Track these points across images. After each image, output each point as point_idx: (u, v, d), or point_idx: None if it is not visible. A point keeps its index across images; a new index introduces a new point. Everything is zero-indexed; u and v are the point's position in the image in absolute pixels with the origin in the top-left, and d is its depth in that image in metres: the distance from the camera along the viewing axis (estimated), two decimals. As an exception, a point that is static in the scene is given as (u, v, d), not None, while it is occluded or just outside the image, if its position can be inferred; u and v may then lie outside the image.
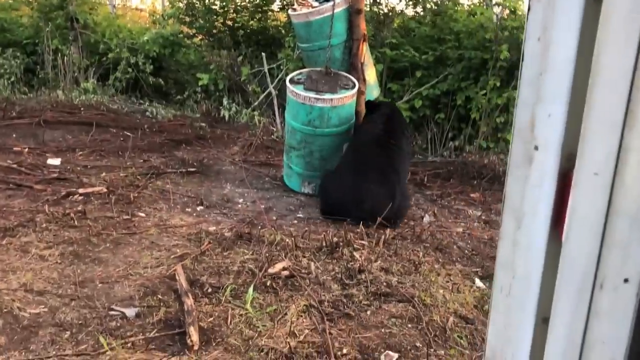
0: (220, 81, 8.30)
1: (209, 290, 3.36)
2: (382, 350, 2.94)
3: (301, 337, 2.98)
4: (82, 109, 7.52)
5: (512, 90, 6.57)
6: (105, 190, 4.79)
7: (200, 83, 8.24)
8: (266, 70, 7.80)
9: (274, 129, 7.30)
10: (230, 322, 3.07)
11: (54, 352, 2.75)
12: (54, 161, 5.56)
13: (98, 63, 8.89)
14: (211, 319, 3.09)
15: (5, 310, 3.04)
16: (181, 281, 3.36)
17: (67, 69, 8.63)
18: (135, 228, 4.19)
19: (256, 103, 7.93)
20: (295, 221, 4.68)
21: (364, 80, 5.37)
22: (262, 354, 2.83)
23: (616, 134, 0.83)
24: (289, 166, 5.39)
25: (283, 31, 8.46)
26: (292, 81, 5.18)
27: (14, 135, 6.32)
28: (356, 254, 3.89)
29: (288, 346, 2.86)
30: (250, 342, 2.91)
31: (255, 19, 8.79)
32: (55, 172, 5.21)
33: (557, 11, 0.88)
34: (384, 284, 3.56)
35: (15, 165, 5.27)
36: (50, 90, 8.40)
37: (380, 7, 7.91)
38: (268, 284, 3.44)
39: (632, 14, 0.78)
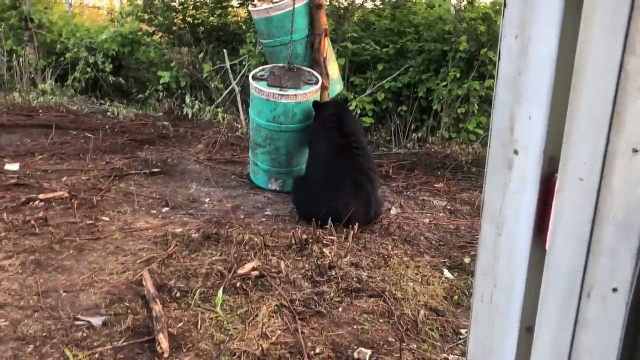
0: (182, 79, 8.16)
1: (178, 294, 3.25)
2: (355, 347, 2.89)
3: (273, 339, 2.90)
4: (40, 111, 7.25)
5: (472, 81, 6.60)
6: (66, 194, 4.61)
7: (161, 81, 8.10)
8: (228, 67, 7.68)
9: (238, 126, 7.20)
10: (201, 326, 2.96)
11: (17, 368, 2.60)
12: (12, 166, 5.32)
13: (55, 63, 8.62)
14: (181, 324, 2.98)
15: (-37, 326, 2.87)
16: (148, 286, 3.24)
17: (23, 70, 8.32)
18: (99, 233, 4.04)
19: (219, 100, 7.82)
20: (264, 219, 4.59)
21: (327, 75, 5.31)
22: (234, 357, 2.74)
23: (602, 136, 0.78)
24: (255, 163, 5.29)
25: (244, 27, 8.35)
26: (255, 78, 5.07)
27: (-31, 141, 6.04)
28: (326, 250, 3.82)
29: (260, 348, 2.78)
30: (222, 346, 2.82)
31: (215, 15, 8.66)
32: (14, 178, 4.98)
33: (535, 5, 0.82)
34: (355, 279, 3.51)
35: (-30, 172, 5.03)
36: (6, 93, 8.08)
37: (340, 1, 7.84)
38: (238, 285, 3.35)
39: (618, 6, 0.72)
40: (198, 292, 3.23)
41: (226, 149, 6.43)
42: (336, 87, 5.61)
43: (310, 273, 3.55)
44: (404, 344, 2.94)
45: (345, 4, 7.81)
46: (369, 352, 2.84)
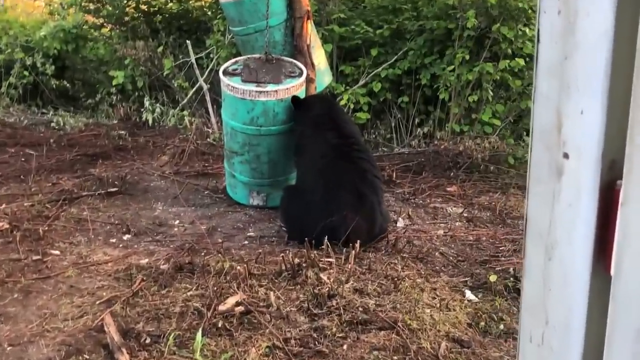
0: (139, 78, 8.17)
1: (147, 340, 3.21)
2: (367, 392, 2.85)
3: (267, 388, 2.86)
4: (-31, 126, 7.21)
5: (484, 63, 6.61)
6: (7, 226, 4.56)
7: (114, 82, 8.13)
8: (193, 61, 7.71)
9: (210, 131, 7.20)
10: (178, 378, 2.92)
11: None
12: (-62, 195, 5.25)
13: (-15, 68, 8.57)
14: (153, 377, 2.93)
15: None
16: (112, 333, 3.20)
17: (-53, 78, 8.28)
18: (48, 270, 4.00)
19: (185, 101, 7.84)
20: (246, 242, 4.58)
21: (313, 65, 5.30)
22: (220, 415, 2.69)
23: (677, 132, 0.73)
24: (232, 175, 5.27)
25: (209, 13, 8.39)
26: (226, 73, 5.06)
27: None
28: (323, 276, 3.80)
29: (252, 401, 2.73)
30: (205, 402, 2.76)
31: (174, 1, 8.65)
32: (-59, 209, 4.92)
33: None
34: (360, 309, 3.49)
35: None
36: None
37: (323, -24, 7.84)
38: (220, 325, 3.31)
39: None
40: (172, 337, 3.19)
41: (196, 160, 6.41)
42: (324, 79, 5.60)
43: (306, 305, 3.53)
44: (425, 385, 2.90)
45: (329, -21, 7.83)
46: (383, 397, 2.80)
